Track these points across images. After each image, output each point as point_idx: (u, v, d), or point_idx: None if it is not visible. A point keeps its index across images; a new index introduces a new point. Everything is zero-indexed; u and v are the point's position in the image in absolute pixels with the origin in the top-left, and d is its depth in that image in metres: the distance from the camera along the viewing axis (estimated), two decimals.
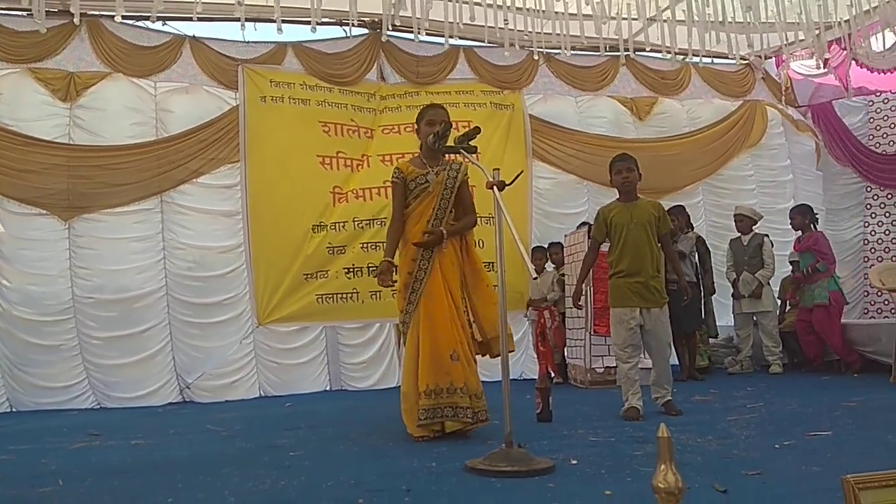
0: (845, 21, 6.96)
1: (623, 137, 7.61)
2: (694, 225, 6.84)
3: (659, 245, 4.32)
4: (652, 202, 4.44)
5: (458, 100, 7.17)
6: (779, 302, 7.06)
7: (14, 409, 5.81)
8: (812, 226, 6.53)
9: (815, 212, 6.64)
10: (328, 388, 6.67)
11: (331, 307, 6.44)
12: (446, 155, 3.73)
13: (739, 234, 6.82)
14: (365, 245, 6.53)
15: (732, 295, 6.80)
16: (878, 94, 8.24)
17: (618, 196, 4.42)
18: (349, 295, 6.46)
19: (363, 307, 6.47)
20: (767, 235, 6.81)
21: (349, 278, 6.51)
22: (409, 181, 3.77)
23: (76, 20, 5.36)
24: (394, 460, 3.12)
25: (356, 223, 6.58)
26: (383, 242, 6.01)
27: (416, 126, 3.95)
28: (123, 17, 5.97)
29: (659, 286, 4.24)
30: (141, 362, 6.08)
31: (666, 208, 4.67)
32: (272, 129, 6.54)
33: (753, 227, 6.78)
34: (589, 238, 4.76)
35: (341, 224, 6.57)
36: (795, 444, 3.15)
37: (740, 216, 6.81)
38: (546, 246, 6.78)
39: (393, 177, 3.83)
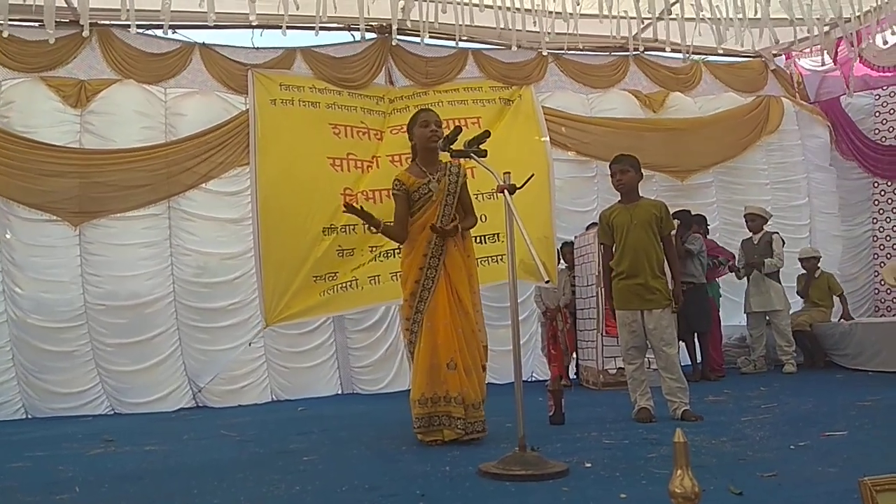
0: (856, 17, 6.93)
1: (635, 118, 7.59)
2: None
3: (661, 246, 4.22)
4: (654, 202, 4.37)
5: (467, 97, 7.13)
6: (798, 299, 7.05)
7: (30, 416, 5.86)
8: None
9: (697, 218, 6.56)
10: (340, 392, 6.69)
11: (331, 297, 6.32)
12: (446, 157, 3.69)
13: (750, 234, 6.79)
14: (374, 248, 6.51)
15: (737, 275, 6.80)
16: (885, 87, 8.19)
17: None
18: (348, 283, 6.34)
19: (362, 293, 6.33)
20: (777, 233, 6.78)
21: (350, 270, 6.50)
22: (411, 192, 3.73)
23: (85, 33, 5.42)
24: (407, 464, 3.13)
25: (366, 226, 6.55)
26: (394, 249, 6.06)
27: (408, 132, 3.89)
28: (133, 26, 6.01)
29: (661, 287, 4.13)
30: (152, 368, 6.12)
31: (675, 209, 4.62)
32: (282, 131, 6.53)
33: (764, 226, 6.75)
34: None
35: (351, 227, 6.55)
36: (811, 445, 3.13)
37: (752, 215, 6.77)
38: (573, 239, 6.72)
39: (394, 189, 3.79)
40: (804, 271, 7.04)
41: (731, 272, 6.83)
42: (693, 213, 6.60)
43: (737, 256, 6.89)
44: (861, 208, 8.36)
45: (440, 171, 3.76)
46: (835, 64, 8.03)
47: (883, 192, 8.28)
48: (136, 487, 2.92)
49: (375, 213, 6.41)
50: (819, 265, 7.02)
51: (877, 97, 8.25)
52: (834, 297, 6.97)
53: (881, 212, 8.28)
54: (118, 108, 6.29)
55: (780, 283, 6.65)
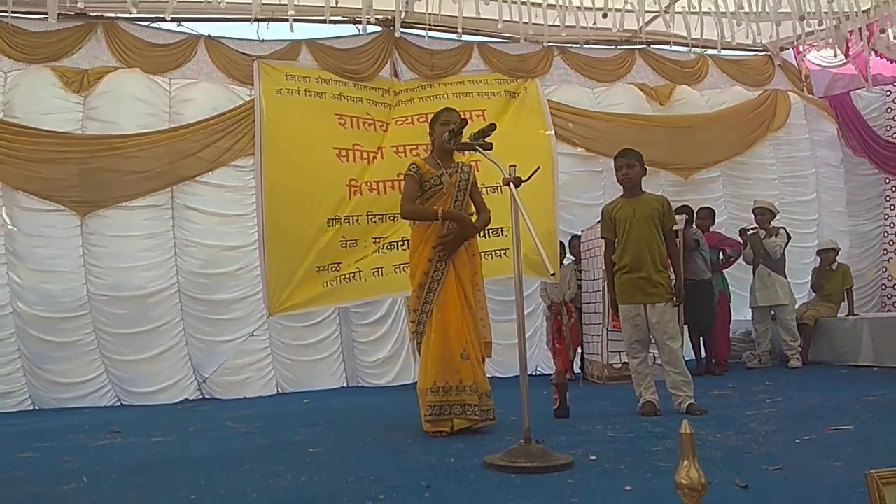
0: (864, 11, 6.89)
1: (642, 115, 7.54)
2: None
3: (663, 240, 4.21)
4: (657, 197, 4.37)
5: (472, 89, 7.08)
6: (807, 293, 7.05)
7: (36, 407, 5.89)
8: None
9: (703, 212, 6.65)
10: (345, 385, 6.71)
11: (334, 288, 6.27)
12: (461, 153, 3.74)
13: (757, 228, 6.77)
14: (377, 239, 6.50)
15: (744, 260, 6.79)
16: None
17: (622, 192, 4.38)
18: (351, 274, 6.29)
19: (366, 285, 6.28)
20: (784, 228, 6.76)
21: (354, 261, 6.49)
22: (424, 179, 3.80)
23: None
24: (413, 456, 3.13)
25: (370, 217, 6.52)
26: (398, 242, 6.06)
27: (430, 128, 3.99)
28: (139, 19, 6.01)
29: (663, 281, 4.13)
30: (157, 358, 6.14)
31: (678, 204, 4.60)
32: (288, 121, 6.48)
33: (772, 221, 6.72)
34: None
35: (355, 218, 6.53)
36: (816, 439, 3.13)
37: (761, 209, 6.73)
38: (580, 233, 6.71)
39: (409, 170, 3.86)
40: (821, 264, 7.00)
41: (741, 257, 6.81)
42: (701, 206, 6.59)
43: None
44: (871, 204, 8.34)
45: (453, 168, 3.86)
46: (846, 58, 7.97)
47: (894, 189, 8.25)
48: (143, 478, 2.93)
49: (379, 203, 6.54)
50: (837, 258, 6.99)
51: (888, 93, 8.21)
52: (844, 290, 6.94)
53: (892, 208, 8.27)
54: (122, 92, 6.26)
55: (785, 277, 6.62)
